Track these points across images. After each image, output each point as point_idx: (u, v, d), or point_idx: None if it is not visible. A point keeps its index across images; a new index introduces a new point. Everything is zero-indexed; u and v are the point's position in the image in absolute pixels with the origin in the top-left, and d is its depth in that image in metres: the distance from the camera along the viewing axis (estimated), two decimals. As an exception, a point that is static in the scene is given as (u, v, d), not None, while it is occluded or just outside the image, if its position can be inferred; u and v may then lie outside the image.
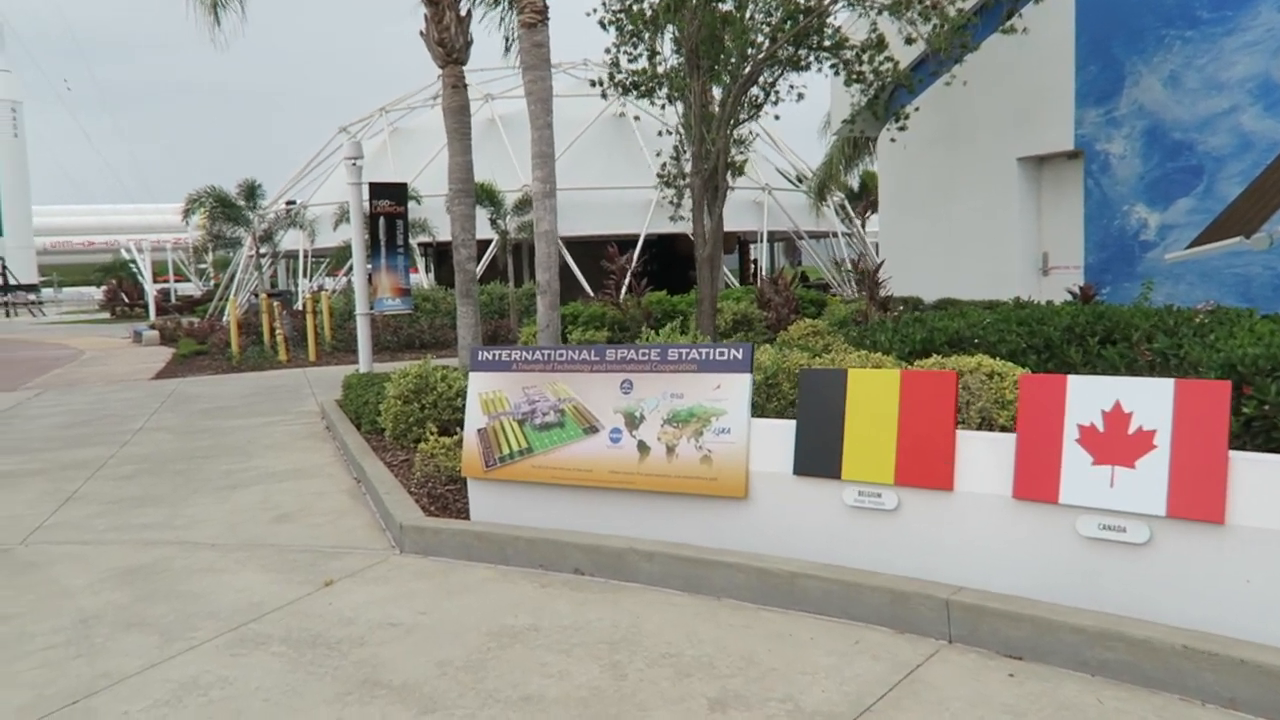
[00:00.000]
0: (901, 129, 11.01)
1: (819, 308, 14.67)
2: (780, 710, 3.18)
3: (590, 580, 4.65)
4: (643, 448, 4.93)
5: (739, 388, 4.73)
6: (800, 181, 31.33)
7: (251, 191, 22.11)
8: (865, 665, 3.49)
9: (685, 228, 21.63)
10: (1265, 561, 3.29)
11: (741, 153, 10.34)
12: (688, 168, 10.85)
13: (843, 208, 32.89)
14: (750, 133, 10.44)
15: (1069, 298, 9.16)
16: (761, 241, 28.50)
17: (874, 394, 4.30)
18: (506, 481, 5.34)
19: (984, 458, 3.98)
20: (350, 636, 4.05)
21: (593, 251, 29.88)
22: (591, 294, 24.63)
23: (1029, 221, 11.10)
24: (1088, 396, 3.73)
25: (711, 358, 4.83)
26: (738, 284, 25.07)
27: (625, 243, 30.15)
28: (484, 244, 24.58)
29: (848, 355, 7.12)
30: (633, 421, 4.99)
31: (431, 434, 6.37)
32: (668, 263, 28.24)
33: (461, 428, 7.81)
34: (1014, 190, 10.97)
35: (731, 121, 9.87)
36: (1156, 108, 9.20)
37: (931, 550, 4.08)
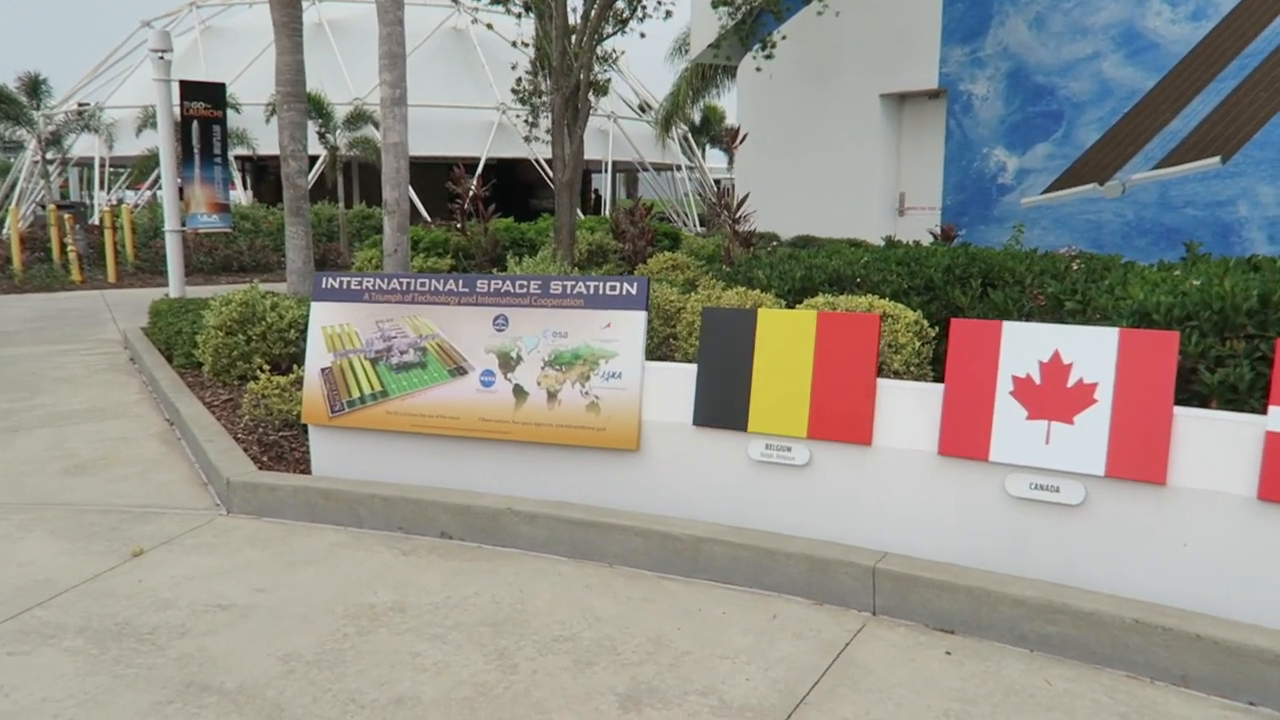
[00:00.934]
0: (768, 57, 10.61)
1: (673, 241, 14.29)
2: (703, 706, 2.74)
3: (461, 546, 4.06)
4: (520, 393, 4.34)
5: (633, 327, 4.20)
6: (644, 111, 30.77)
7: (35, 86, 19.45)
8: (789, 646, 3.10)
9: (539, 150, 20.66)
10: (1203, 525, 3.10)
11: (605, 70, 9.66)
12: (545, 85, 10.08)
13: (686, 140, 32.62)
14: (614, 50, 9.75)
15: (930, 239, 9.10)
16: (606, 172, 27.88)
17: (787, 337, 3.87)
18: (356, 429, 4.63)
19: (907, 410, 3.64)
20: (168, 624, 3.31)
21: (429, 175, 28.36)
22: (429, 219, 23.38)
23: (889, 161, 11.01)
24: (1024, 345, 3.43)
25: (601, 292, 4.27)
26: (580, 214, 24.41)
27: (464, 166, 28.88)
28: (311, 160, 22.81)
29: (723, 293, 6.70)
30: (508, 363, 4.38)
31: (262, 371, 5.52)
32: (508, 189, 27.18)
33: (296, 365, 6.95)
34: (876, 128, 10.83)
35: (595, 36, 9.15)
36: (1021, 49, 9.18)
37: (847, 511, 3.73)
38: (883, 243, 8.23)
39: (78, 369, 8.51)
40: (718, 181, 35.29)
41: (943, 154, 10.16)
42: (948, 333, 5.86)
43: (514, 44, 10.82)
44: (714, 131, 39.41)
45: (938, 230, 9.47)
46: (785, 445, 3.84)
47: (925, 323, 5.49)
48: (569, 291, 4.31)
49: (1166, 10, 8.11)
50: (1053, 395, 3.35)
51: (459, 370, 4.46)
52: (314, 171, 22.65)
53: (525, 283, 4.42)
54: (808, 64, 11.32)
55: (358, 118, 20.01)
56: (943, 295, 6.27)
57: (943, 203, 10.16)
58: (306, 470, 4.82)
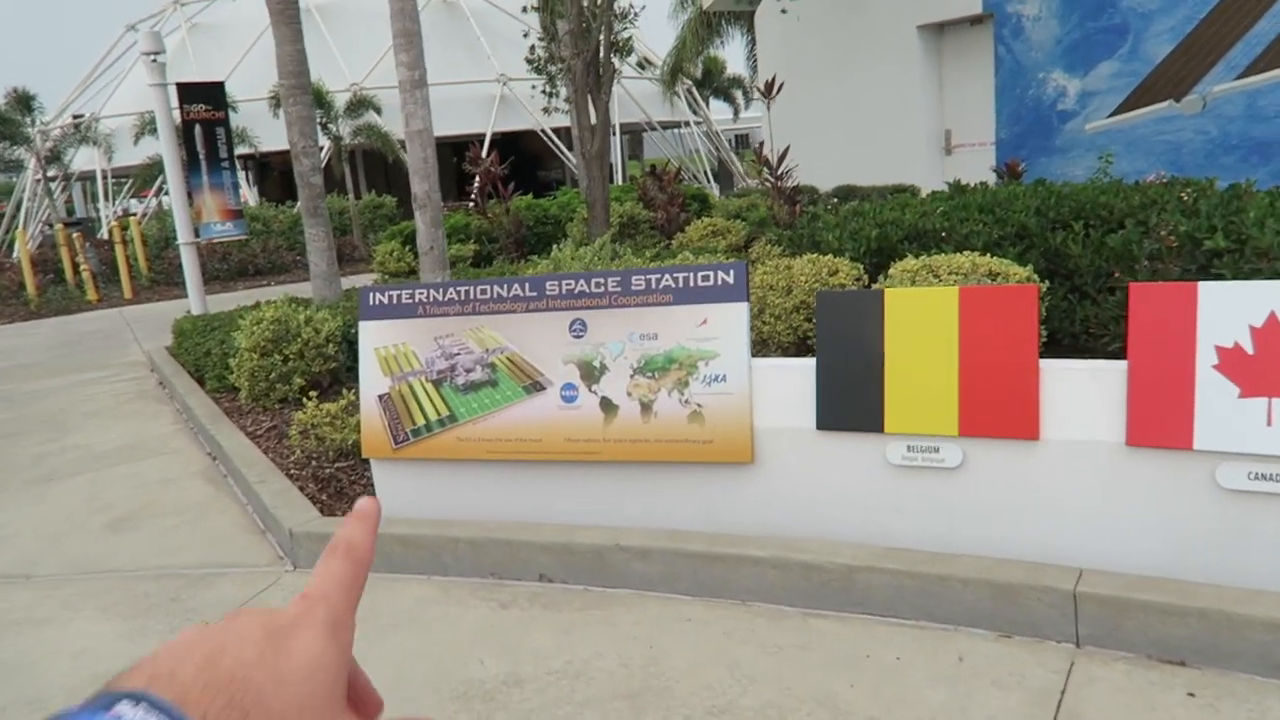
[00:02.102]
0: (794, -2, 9.93)
1: (701, 203, 13.65)
2: (917, 796, 2.23)
3: (564, 590, 3.56)
4: (608, 406, 3.81)
5: (733, 321, 3.65)
6: (644, 68, 29.88)
7: (26, 102, 18.88)
8: (993, 699, 2.59)
9: (556, 121, 20.00)
10: None
11: (624, 28, 9.01)
12: (562, 51, 9.43)
13: (691, 95, 31.72)
14: (631, 5, 9.10)
15: (994, 178, 8.46)
16: (616, 135, 27.08)
17: (923, 319, 3.31)
18: (424, 461, 4.12)
19: (1080, 396, 3.09)
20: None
21: (439, 157, 27.74)
22: (440, 203, 22.78)
23: (931, 97, 10.31)
24: (1229, 307, 2.86)
25: (692, 283, 3.71)
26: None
27: (468, 144, 28.19)
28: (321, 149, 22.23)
29: (791, 261, 6.12)
30: (591, 373, 3.84)
31: (308, 397, 5.02)
32: (515, 164, 26.59)
33: (340, 384, 6.46)
34: (915, 63, 10.12)
35: (613, -8, 8.50)
36: (1076, -38, 8.45)
37: (1009, 518, 3.20)
38: (945, 187, 7.61)
39: (106, 400, 8.06)
40: (735, 136, 34.35)
41: (992, 84, 9.46)
42: (1056, 289, 5.26)
43: (525, 9, 10.14)
44: (716, 83, 38.39)
45: (996, 168, 8.82)
46: (932, 446, 3.30)
47: (1037, 280, 4.93)
48: (654, 286, 3.76)
49: (1244, -99, 7.37)
50: (1272, 366, 2.78)
51: (535, 386, 3.93)
52: (321, 161, 22.07)
53: (602, 280, 3.87)
54: (834, 1, 10.60)
55: (359, 104, 19.36)
56: (1041, 243, 5.68)
57: (996, 136, 9.48)
58: (373, 509, 4.31)
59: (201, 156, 10.04)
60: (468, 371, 4.04)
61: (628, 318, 3.79)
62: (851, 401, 3.41)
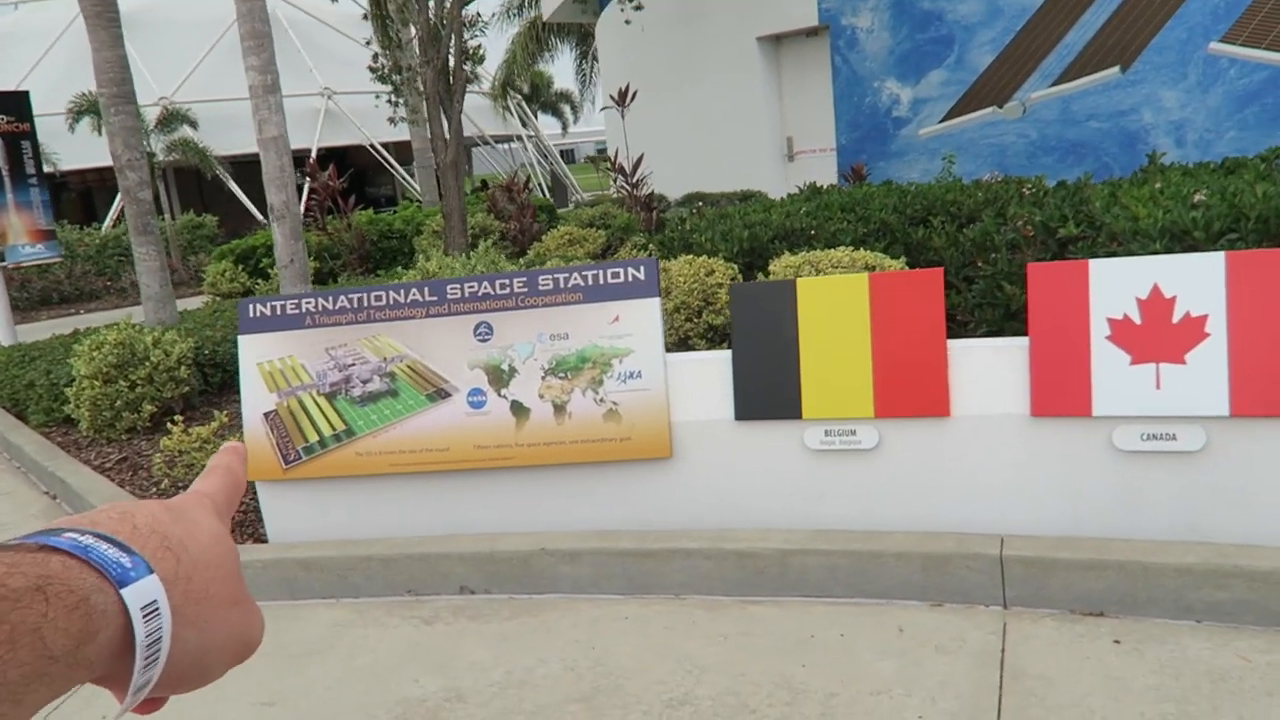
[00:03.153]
0: (637, 8, 10.04)
1: (550, 214, 13.60)
2: (893, 764, 2.27)
3: (488, 601, 3.43)
4: (519, 410, 3.71)
5: (646, 317, 3.63)
6: (472, 81, 29.61)
7: None
8: (942, 665, 2.67)
9: (392, 133, 19.34)
10: (1343, 453, 2.85)
11: (475, 35, 8.87)
12: (408, 60, 9.20)
13: (521, 108, 31.66)
14: (478, 15, 8.97)
15: (842, 182, 8.85)
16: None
17: (835, 306, 3.41)
18: (319, 480, 3.88)
19: (986, 372, 3.25)
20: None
21: (257, 173, 26.39)
22: (263, 220, 21.70)
23: (772, 106, 10.68)
24: (1116, 282, 3.08)
25: (602, 280, 3.67)
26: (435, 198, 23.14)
27: (296, 161, 26.97)
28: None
29: (667, 263, 6.18)
30: (499, 377, 3.73)
31: (174, 423, 4.63)
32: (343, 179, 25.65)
33: (191, 406, 6.01)
34: (756, 73, 10.45)
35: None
36: (903, -23, 8.98)
37: (926, 493, 3.33)
38: (788, 193, 7.89)
39: (-94, 445, 7.17)
40: (561, 150, 34.54)
41: (831, 93, 9.90)
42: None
43: (365, 16, 9.79)
44: (544, 98, 38.49)
45: (842, 171, 9.24)
46: (849, 429, 3.39)
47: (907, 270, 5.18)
48: (564, 285, 3.70)
49: (1050, -77, 8.05)
50: (1158, 335, 3.02)
51: (440, 393, 3.78)
52: (128, 182, 20.54)
53: (507, 281, 3.77)
54: (675, 12, 10.82)
55: (172, 118, 18.16)
56: (903, 238, 5.97)
57: (837, 143, 9.93)
58: (260, 538, 4.03)
59: (4, 173, 9.15)
60: (364, 382, 3.84)
61: (536, 318, 3.71)
62: (769, 390, 3.46)
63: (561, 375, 3.68)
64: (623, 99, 9.12)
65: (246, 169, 23.45)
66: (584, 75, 28.95)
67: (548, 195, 29.39)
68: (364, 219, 12.82)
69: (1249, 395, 2.91)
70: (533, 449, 3.69)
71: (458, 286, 3.79)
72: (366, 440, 3.82)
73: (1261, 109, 7.20)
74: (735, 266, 6.00)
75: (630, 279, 3.65)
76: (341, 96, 24.53)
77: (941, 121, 8.96)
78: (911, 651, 2.75)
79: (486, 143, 29.94)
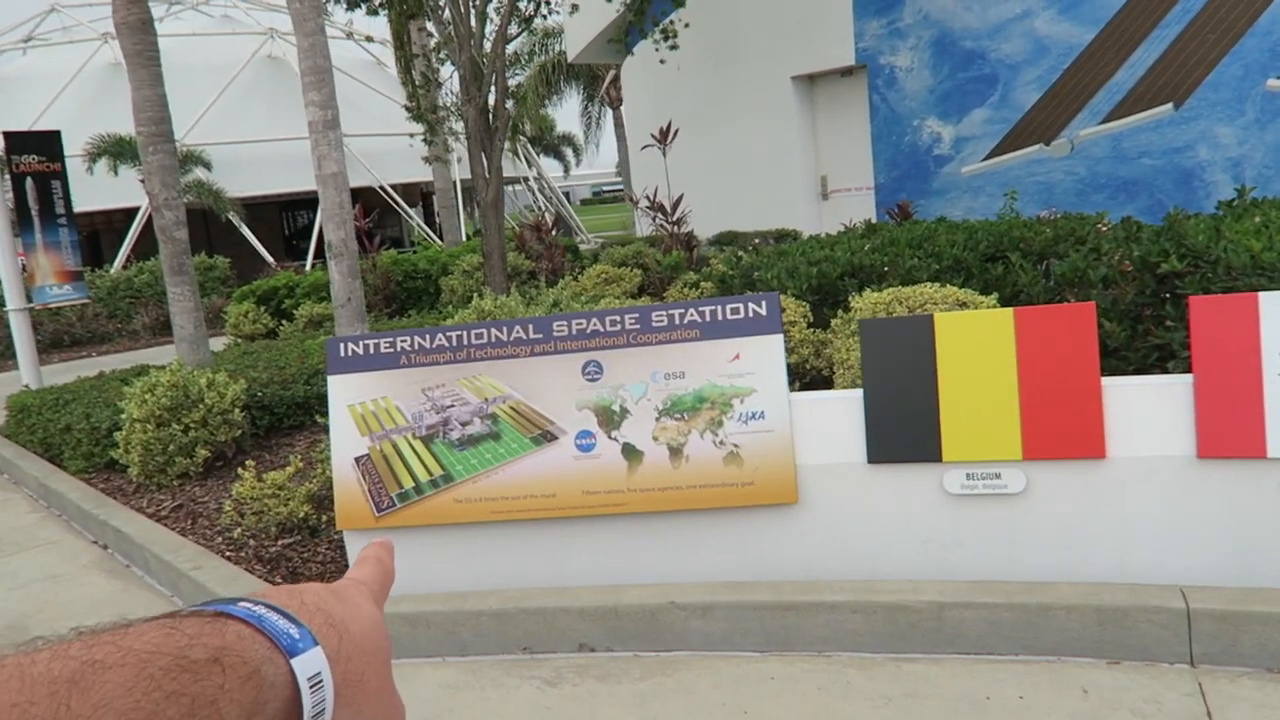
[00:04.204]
0: (672, 48, 10.00)
1: (574, 252, 13.49)
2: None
3: (612, 659, 3.20)
4: (631, 453, 3.51)
5: (769, 355, 3.45)
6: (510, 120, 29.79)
7: None
8: (1145, 730, 2.46)
9: (396, 177, 19.30)
10: None
11: (515, 74, 8.78)
12: (447, 99, 9.12)
13: (527, 150, 31.84)
14: (517, 55, 8.89)
15: (879, 221, 8.75)
16: (458, 191, 26.69)
17: (977, 343, 3.23)
18: (412, 528, 3.66)
19: (1145, 411, 3.07)
20: None
21: (265, 215, 26.26)
22: (273, 263, 21.61)
23: (806, 144, 10.62)
24: (1289, 317, 2.92)
25: (721, 316, 3.50)
26: (439, 239, 23.06)
27: (301, 202, 26.88)
28: (133, 211, 20.62)
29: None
30: (610, 419, 3.54)
31: (247, 469, 4.41)
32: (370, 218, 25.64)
33: (243, 450, 5.79)
34: (790, 112, 10.40)
35: (503, 38, 8.27)
36: (943, 16, 8.95)
37: (1077, 540, 3.13)
38: (823, 231, 7.77)
39: (-66, 492, 6.91)
40: (566, 193, 34.69)
41: (868, 131, 9.84)
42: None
43: (412, 58, 9.69)
44: (546, 141, 38.75)
45: (889, 209, 9.14)
46: (993, 472, 3.20)
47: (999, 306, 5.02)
48: (679, 321, 3.52)
49: (1099, -38, 8.05)
50: (1339, 371, 2.85)
51: (546, 436, 3.58)
52: (137, 222, 20.50)
53: (618, 318, 3.59)
54: (708, 52, 10.79)
55: (188, 160, 18.08)
56: (980, 274, 5.82)
57: (875, 181, 9.85)
58: (349, 588, 3.79)
59: (34, 212, 8.98)
60: (464, 425, 3.64)
61: (649, 356, 3.53)
62: (904, 431, 3.27)
63: (677, 416, 3.48)
64: (664, 137, 9.04)
65: (254, 211, 23.40)
66: (589, 118, 29.08)
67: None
68: (389, 259, 12.68)
69: None
70: (646, 494, 3.48)
71: (565, 323, 3.61)
72: (466, 486, 3.61)
73: (1323, 145, 7.14)
74: (806, 304, 5.84)
75: (751, 314, 3.47)
76: (351, 139, 24.54)
77: (986, 159, 8.88)
78: (1105, 715, 2.54)
79: (493, 185, 30.06)
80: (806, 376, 5.45)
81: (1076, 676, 2.74)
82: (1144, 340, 4.56)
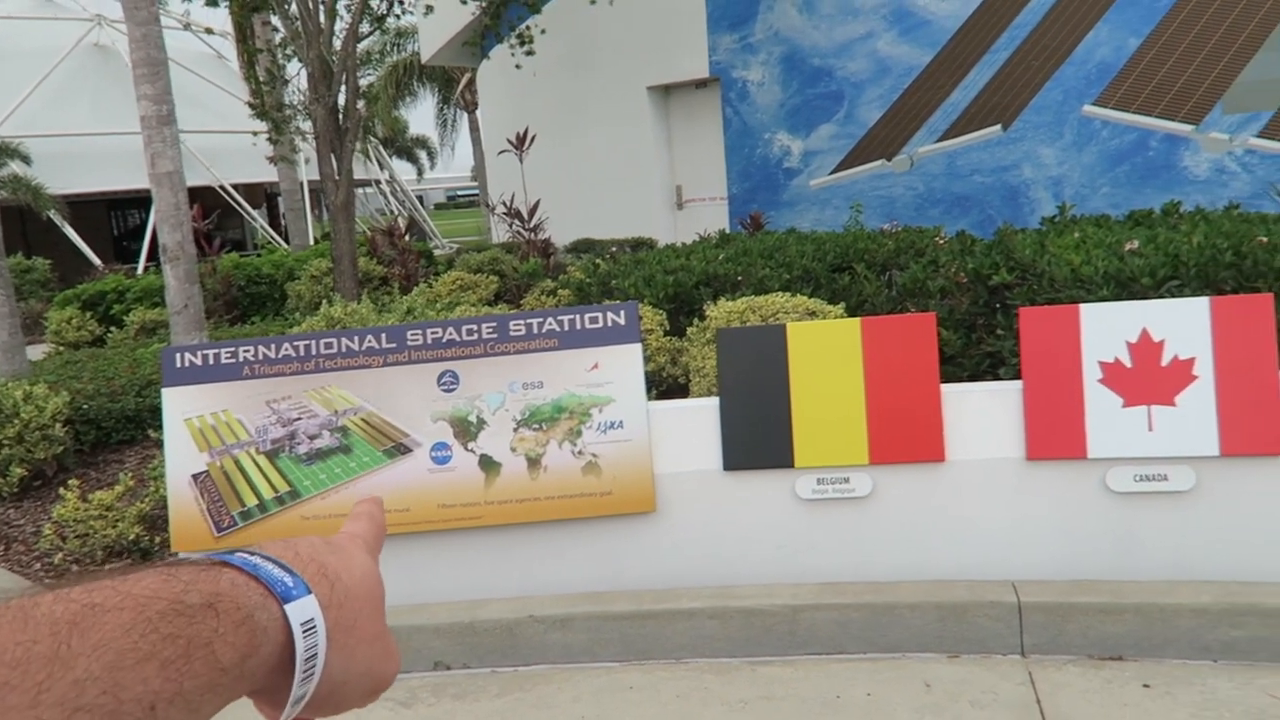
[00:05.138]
0: (529, 53, 9.93)
1: (429, 258, 13.21)
2: (970, 833, 2.15)
3: (469, 676, 3.12)
4: (489, 465, 3.44)
5: (628, 363, 3.46)
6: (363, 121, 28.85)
7: None
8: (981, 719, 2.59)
9: (238, 176, 18.34)
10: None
11: (367, 74, 8.52)
12: (290, 98, 8.76)
13: (379, 153, 31.03)
14: (369, 54, 8.64)
15: (739, 229, 8.95)
16: (305, 193, 25.70)
17: (826, 352, 3.34)
18: (256, 547, 3.48)
19: (979, 416, 3.25)
20: None
21: (91, 215, 24.51)
22: (101, 265, 20.20)
23: (662, 154, 10.75)
24: (1106, 327, 3.15)
25: (580, 326, 3.48)
26: (285, 243, 22.09)
27: (132, 201, 25.25)
28: (-64, 208, 18.87)
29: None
30: (467, 430, 3.46)
31: (70, 489, 4.08)
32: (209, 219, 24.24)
33: (64, 469, 5.38)
34: (646, 122, 10.50)
35: (354, 37, 8.01)
36: (793, 33, 9.24)
37: (920, 539, 3.28)
38: (678, 240, 7.91)
39: None
40: (419, 196, 34.00)
41: (721, 142, 10.06)
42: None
43: (259, 51, 9.23)
44: (399, 143, 37.85)
45: (742, 220, 9.35)
46: (842, 476, 3.31)
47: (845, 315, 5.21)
48: (537, 330, 3.48)
49: (934, -12, 8.49)
50: (1148, 378, 3.09)
51: (399, 449, 3.47)
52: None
53: (475, 327, 3.52)
54: (565, 58, 10.78)
55: (1, 152, 16.69)
56: (828, 284, 6.03)
57: (729, 191, 10.07)
58: (186, 614, 3.56)
59: None
60: (311, 438, 3.49)
61: (507, 366, 3.47)
62: (759, 438, 3.35)
63: (536, 426, 3.45)
64: (521, 143, 8.96)
65: (79, 210, 21.80)
66: (445, 120, 28.57)
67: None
68: (230, 263, 12.06)
69: (1237, 435, 3.00)
70: (504, 507, 3.43)
71: (419, 332, 3.51)
72: (314, 502, 3.46)
73: (1131, 168, 7.75)
74: (663, 313, 5.91)
75: (610, 324, 3.47)
76: (189, 136, 23.24)
77: (832, 173, 9.23)
78: (947, 707, 2.66)
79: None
80: (663, 384, 5.50)
81: (920, 671, 2.86)
82: (978, 348, 4.81)
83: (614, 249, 8.63)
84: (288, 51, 8.76)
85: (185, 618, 0.43)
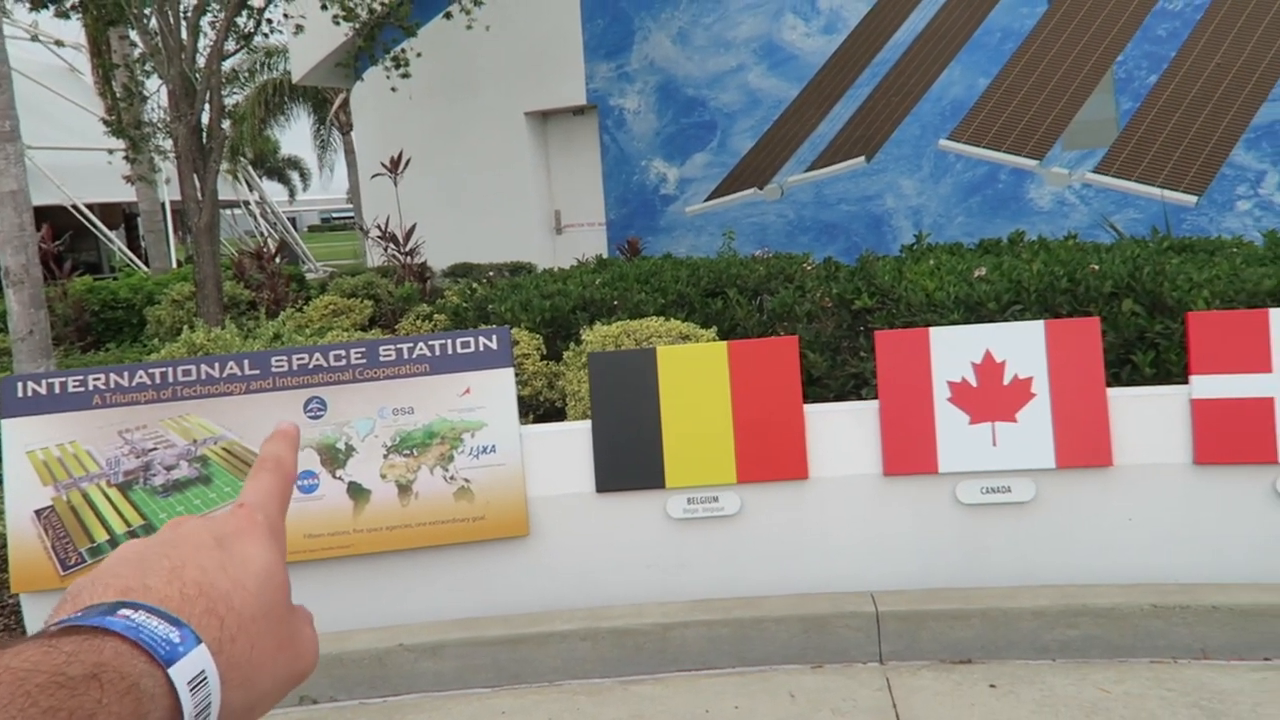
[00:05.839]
0: (404, 76, 9.83)
1: (300, 282, 12.84)
2: (830, 836, 2.24)
3: (337, 709, 3.05)
4: (358, 492, 3.39)
5: (500, 388, 3.47)
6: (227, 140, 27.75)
7: None
8: (844, 727, 2.69)
9: (93, 195, 17.40)
10: (1147, 497, 3.23)
11: (233, 93, 8.27)
12: (149, 115, 8.43)
13: (248, 173, 30.05)
14: (235, 72, 8.40)
15: (617, 254, 9.06)
16: (167, 214, 24.60)
17: (695, 375, 3.43)
18: (108, 585, 3.31)
19: (839, 434, 3.39)
20: None
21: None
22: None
23: (540, 179, 10.79)
24: (954, 349, 3.34)
25: (451, 350, 3.47)
26: (145, 265, 21.06)
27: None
28: None
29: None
30: (335, 457, 3.40)
31: (-105, 530, 3.78)
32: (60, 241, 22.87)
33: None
34: (525, 146, 10.53)
35: (219, 54, 7.77)
36: (668, 64, 9.45)
37: (787, 555, 3.39)
38: (557, 264, 7.98)
39: None
40: (291, 218, 33.07)
41: (599, 169, 10.17)
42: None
43: (116, 66, 8.80)
44: (270, 164, 36.76)
45: (620, 245, 9.47)
46: (711, 495, 3.40)
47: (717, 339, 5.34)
48: (408, 355, 3.45)
49: (800, 24, 8.82)
50: (992, 396, 3.30)
51: (263, 478, 3.37)
52: None
53: (343, 352, 3.46)
54: (442, 82, 10.71)
55: None
56: (702, 309, 6.17)
57: (607, 217, 10.18)
58: (28, 658, 3.36)
59: None
60: (169, 469, 3.36)
61: (377, 392, 3.43)
62: (631, 460, 3.40)
63: (406, 452, 3.41)
64: (395, 166, 8.85)
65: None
66: (322, 141, 27.88)
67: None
68: (82, 286, 11.44)
69: (1071, 448, 3.23)
70: (374, 534, 3.37)
71: (284, 358, 3.44)
72: (171, 536, 3.32)
73: (983, 199, 8.23)
74: (540, 337, 5.92)
75: (482, 348, 3.48)
76: (37, 153, 21.97)
77: (707, 200, 9.46)
78: (810, 717, 2.75)
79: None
80: (540, 408, 5.51)
81: (785, 683, 2.96)
82: (843, 369, 5.01)
83: (491, 273, 8.60)
84: (146, 68, 8.42)
85: (67, 690, 0.42)
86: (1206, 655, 2.89)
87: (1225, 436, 3.15)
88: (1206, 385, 3.18)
